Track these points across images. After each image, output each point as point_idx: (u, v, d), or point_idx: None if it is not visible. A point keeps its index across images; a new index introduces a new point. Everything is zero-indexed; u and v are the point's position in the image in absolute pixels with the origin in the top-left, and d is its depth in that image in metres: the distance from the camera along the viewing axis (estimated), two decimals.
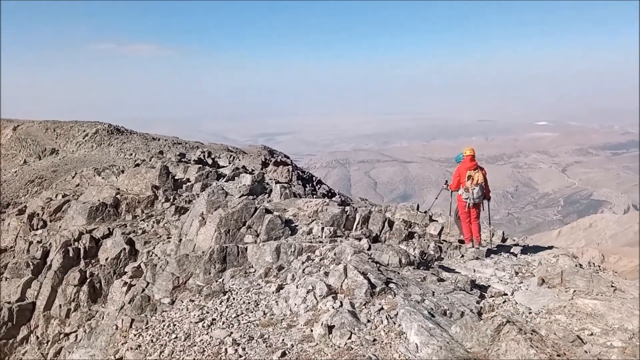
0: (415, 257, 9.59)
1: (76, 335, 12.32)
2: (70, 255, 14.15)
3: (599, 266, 11.95)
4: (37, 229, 17.40)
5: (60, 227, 16.65)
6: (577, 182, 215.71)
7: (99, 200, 16.50)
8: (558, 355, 5.02)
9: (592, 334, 6.18)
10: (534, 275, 9.44)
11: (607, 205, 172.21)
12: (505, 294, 8.45)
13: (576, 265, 10.22)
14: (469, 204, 11.18)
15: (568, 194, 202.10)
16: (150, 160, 23.27)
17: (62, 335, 12.74)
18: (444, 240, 12.56)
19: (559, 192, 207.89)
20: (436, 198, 13.89)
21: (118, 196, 16.88)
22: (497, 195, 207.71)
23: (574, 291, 8.09)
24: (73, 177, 24.97)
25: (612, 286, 8.20)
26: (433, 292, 7.62)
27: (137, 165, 21.41)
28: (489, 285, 8.95)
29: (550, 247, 13.44)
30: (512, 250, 12.13)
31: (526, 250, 12.45)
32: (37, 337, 13.23)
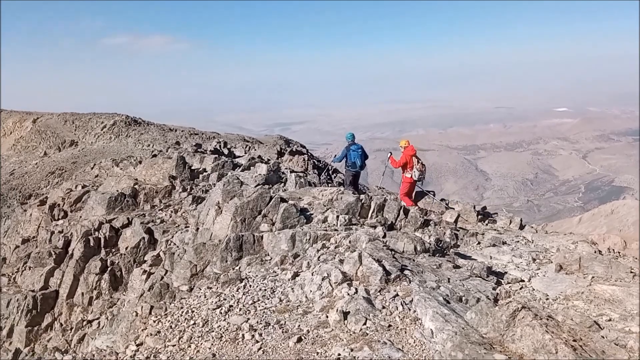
0: (430, 244, 9.58)
1: (98, 322, 12.58)
2: (91, 244, 14.40)
3: (619, 252, 11.78)
4: (58, 219, 17.71)
5: (80, 217, 16.93)
6: (598, 169, 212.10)
7: (117, 191, 16.73)
8: (574, 341, 5.00)
9: (610, 320, 6.13)
10: (552, 262, 9.36)
11: (629, 192, 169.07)
12: (522, 281, 8.41)
13: (595, 252, 10.11)
14: (420, 179, 14.40)
15: (589, 181, 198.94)
16: (167, 151, 23.46)
17: (85, 322, 13.02)
18: (460, 228, 12.51)
19: (579, 179, 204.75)
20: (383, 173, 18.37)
21: (136, 186, 17.09)
22: (516, 182, 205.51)
23: (592, 277, 8.02)
24: (92, 168, 25.31)
25: (631, 272, 8.10)
26: (449, 279, 7.62)
27: (154, 155, 21.58)
28: (506, 272, 8.92)
29: (570, 234, 13.31)
30: (529, 237, 12.05)
31: (544, 237, 12.33)
32: (61, 324, 13.53)
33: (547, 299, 7.41)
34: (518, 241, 11.61)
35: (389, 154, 15.24)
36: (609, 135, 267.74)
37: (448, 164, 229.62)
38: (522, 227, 13.93)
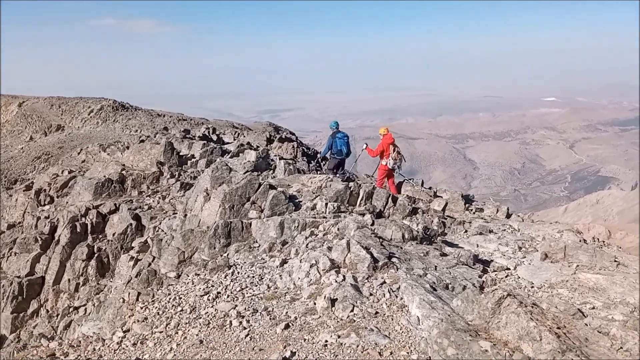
0: (418, 232, 9.63)
1: (85, 309, 12.54)
2: (78, 230, 14.30)
3: (604, 242, 11.94)
4: (44, 205, 17.55)
5: (67, 202, 16.79)
6: (585, 159, 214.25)
7: (104, 176, 16.59)
8: (558, 328, 5.06)
9: (593, 308, 6.22)
10: (537, 251, 9.47)
11: (614, 182, 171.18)
12: (508, 269, 8.50)
13: (580, 241, 10.24)
14: (394, 168, 14.70)
15: (575, 171, 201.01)
16: (155, 137, 23.26)
17: (71, 309, 12.97)
18: (447, 216, 12.59)
19: (566, 169, 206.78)
20: (355, 161, 17.68)
21: (123, 172, 16.96)
22: (503, 172, 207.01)
23: (577, 266, 8.12)
24: (79, 153, 25.07)
25: (615, 261, 8.22)
26: (435, 267, 7.67)
27: (142, 141, 21.42)
28: (492, 260, 9.00)
29: (556, 223, 13.45)
30: (516, 226, 12.17)
31: (530, 225, 12.46)
32: (47, 311, 13.47)
33: (532, 287, 7.50)
34: (504, 230, 11.72)
35: (365, 145, 15.50)
36: (596, 126, 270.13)
37: (437, 153, 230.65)
38: (508, 216, 14.06)
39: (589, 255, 8.43)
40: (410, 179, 16.03)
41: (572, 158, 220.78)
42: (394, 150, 14.62)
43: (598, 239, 11.92)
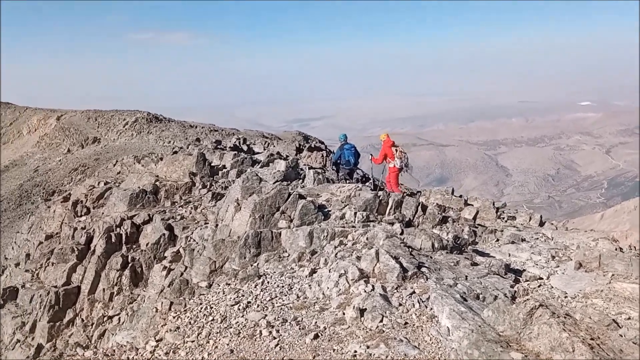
0: (448, 241, 9.54)
1: (119, 318, 12.83)
2: (113, 240, 14.66)
3: None
4: (81, 216, 18.08)
5: (102, 213, 17.24)
6: (622, 164, 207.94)
7: (139, 187, 17.00)
8: (592, 339, 4.95)
9: (629, 318, 6.05)
10: (571, 259, 9.25)
11: None
12: (541, 278, 8.33)
13: (615, 249, 9.95)
14: (402, 167, 15.03)
15: (612, 176, 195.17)
16: (187, 148, 23.70)
17: (105, 318, 13.28)
18: (478, 225, 12.43)
19: (602, 174, 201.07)
20: (379, 177, 16.85)
21: (157, 183, 17.34)
22: (537, 178, 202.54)
23: (612, 275, 7.91)
24: (114, 165, 25.71)
25: None
26: (466, 276, 7.59)
27: (175, 152, 21.86)
28: (524, 270, 8.84)
29: (590, 231, 13.13)
30: (549, 234, 11.92)
31: (564, 234, 12.19)
32: (83, 320, 13.83)
33: (565, 297, 7.34)
34: (537, 238, 11.49)
35: (370, 156, 16.14)
36: (633, 130, 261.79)
37: (468, 160, 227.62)
38: (542, 224, 13.79)
39: (625, 264, 8.20)
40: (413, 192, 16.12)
41: (608, 163, 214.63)
42: (396, 151, 15.06)
43: (635, 247, 11.56)
